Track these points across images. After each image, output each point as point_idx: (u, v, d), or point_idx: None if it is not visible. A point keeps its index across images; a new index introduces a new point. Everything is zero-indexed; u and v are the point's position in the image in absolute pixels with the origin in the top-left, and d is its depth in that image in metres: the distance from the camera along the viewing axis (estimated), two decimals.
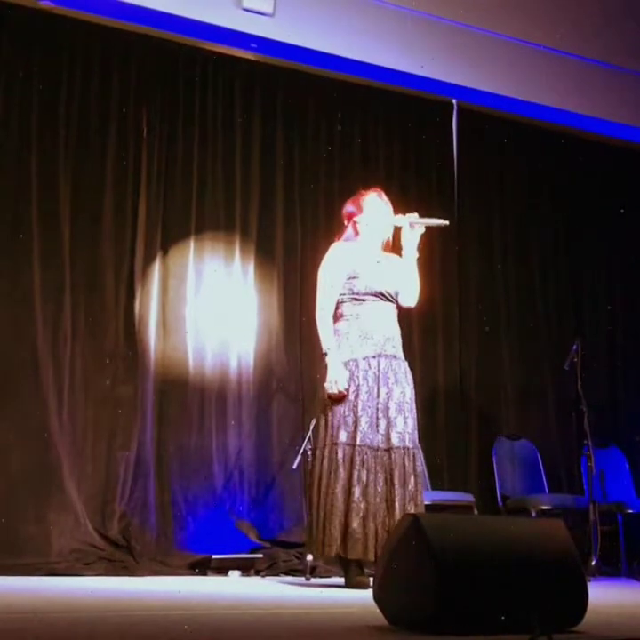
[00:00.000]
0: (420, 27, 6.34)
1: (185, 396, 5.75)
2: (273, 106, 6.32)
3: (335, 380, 4.28)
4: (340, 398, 4.29)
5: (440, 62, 6.45)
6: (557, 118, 7.03)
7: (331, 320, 4.42)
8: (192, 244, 5.93)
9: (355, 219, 4.56)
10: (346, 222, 4.61)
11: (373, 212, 4.53)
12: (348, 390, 4.30)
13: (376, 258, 4.52)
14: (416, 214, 4.50)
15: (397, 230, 4.55)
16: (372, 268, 4.46)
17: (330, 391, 4.29)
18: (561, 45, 6.81)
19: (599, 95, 6.98)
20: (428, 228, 4.55)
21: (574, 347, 5.91)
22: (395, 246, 4.61)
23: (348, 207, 4.61)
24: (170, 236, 5.87)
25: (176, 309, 5.82)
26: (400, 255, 4.55)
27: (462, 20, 6.48)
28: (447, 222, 4.54)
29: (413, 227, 4.48)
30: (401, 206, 4.64)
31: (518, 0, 6.68)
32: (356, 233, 4.55)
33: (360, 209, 4.55)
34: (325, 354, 4.33)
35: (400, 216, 4.51)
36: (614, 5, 7.03)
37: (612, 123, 7.10)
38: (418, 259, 4.52)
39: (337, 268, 4.46)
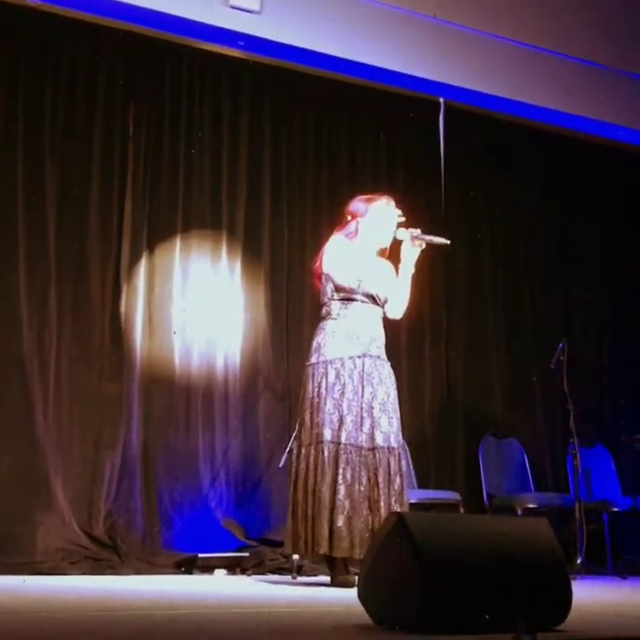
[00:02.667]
0: (407, 25, 6.34)
1: (171, 395, 5.74)
2: (260, 103, 6.31)
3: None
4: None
5: (427, 60, 6.46)
6: (545, 117, 7.04)
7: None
8: (178, 242, 5.92)
9: (358, 219, 4.54)
10: (349, 218, 4.59)
11: (377, 220, 4.51)
12: (335, 387, 4.30)
13: (372, 260, 4.52)
14: (419, 230, 4.48)
15: (397, 242, 4.53)
16: (368, 270, 4.46)
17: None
18: (549, 45, 6.82)
19: (588, 95, 7.00)
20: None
21: (560, 346, 5.92)
22: (391, 257, 4.60)
23: (355, 206, 4.57)
24: (156, 234, 5.86)
25: (162, 308, 5.81)
26: (397, 266, 4.54)
27: (450, 18, 6.48)
28: (448, 242, 4.53)
29: (414, 242, 4.48)
30: None
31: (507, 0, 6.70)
32: (356, 234, 4.54)
33: (365, 213, 4.53)
34: (358, 285, 4.39)
35: (402, 230, 4.48)
36: (603, 5, 7.05)
37: (600, 122, 7.12)
38: (413, 274, 4.51)
39: (345, 250, 4.45)
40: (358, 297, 4.43)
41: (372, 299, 4.46)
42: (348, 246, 4.48)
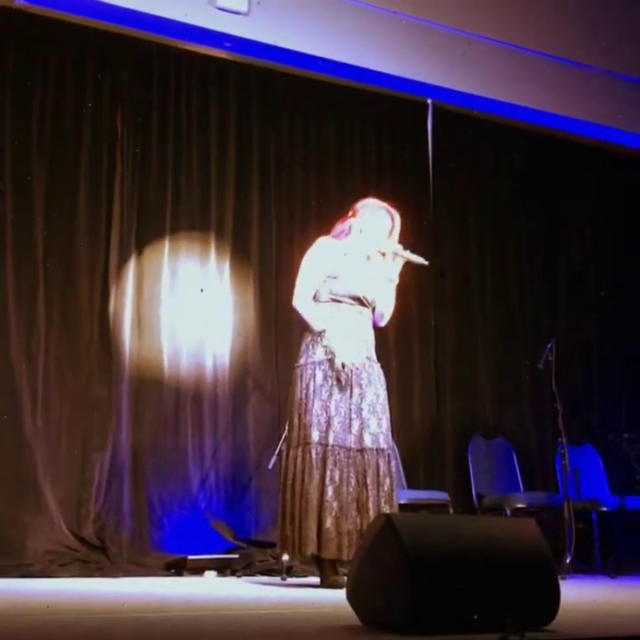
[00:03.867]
0: (394, 26, 6.35)
1: (160, 397, 5.73)
2: (248, 105, 6.31)
3: (337, 354, 4.29)
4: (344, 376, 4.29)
5: (416, 62, 6.46)
6: (532, 118, 7.06)
7: (312, 303, 4.42)
8: (167, 243, 5.91)
9: (352, 220, 4.56)
10: (350, 214, 4.61)
11: (368, 226, 4.52)
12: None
13: (358, 262, 4.52)
14: (400, 246, 4.51)
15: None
16: (353, 272, 4.46)
17: (339, 364, 4.29)
18: (536, 45, 6.84)
19: (574, 95, 7.02)
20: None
21: (549, 346, 5.94)
22: None
23: (359, 204, 4.59)
24: (145, 235, 5.85)
25: (151, 309, 5.80)
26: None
27: (438, 20, 6.49)
28: (427, 262, 4.56)
29: (394, 258, 4.50)
30: None
31: (494, 0, 6.71)
32: (349, 233, 4.55)
33: (361, 216, 4.54)
34: (322, 333, 4.34)
35: (385, 243, 4.52)
36: (591, 7, 7.07)
37: (586, 123, 7.14)
38: (397, 284, 4.54)
39: (319, 261, 4.46)
40: (346, 299, 4.44)
41: (359, 300, 4.46)
42: (333, 248, 4.49)
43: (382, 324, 4.63)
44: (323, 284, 4.44)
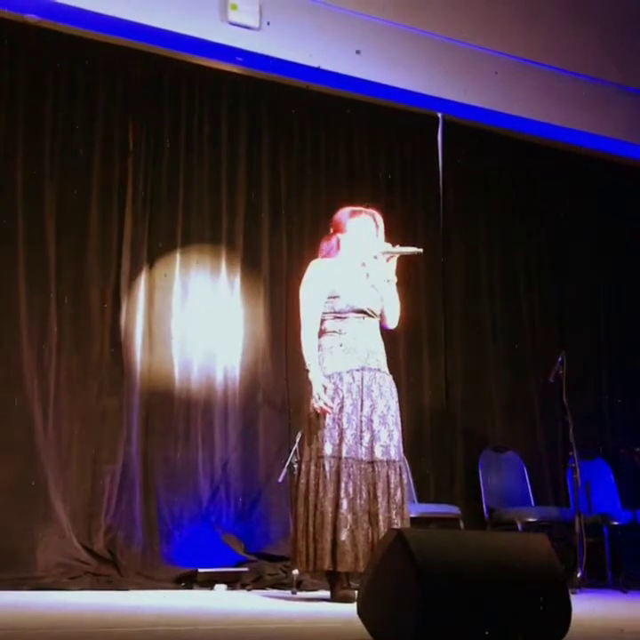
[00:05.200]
0: (405, 41, 6.37)
1: (171, 409, 5.75)
2: (259, 119, 6.34)
3: (319, 396, 4.29)
4: (324, 413, 4.30)
5: (426, 75, 6.48)
6: (543, 132, 7.07)
7: (315, 337, 4.42)
8: (178, 257, 5.93)
9: (339, 235, 4.56)
10: (331, 230, 4.61)
11: (356, 235, 4.51)
12: (332, 404, 4.30)
13: (354, 274, 4.52)
14: (389, 245, 4.50)
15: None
16: (352, 286, 4.46)
17: (314, 406, 4.30)
18: (545, 59, 6.85)
19: (585, 109, 7.03)
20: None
21: (560, 359, 5.93)
22: None
23: (338, 218, 4.58)
24: (156, 249, 5.87)
25: (162, 322, 5.82)
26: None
27: (448, 34, 6.52)
28: (421, 250, 4.55)
29: (385, 256, 4.50)
30: (387, 220, 4.62)
31: (503, 14, 6.74)
32: (337, 249, 4.56)
33: (345, 228, 4.55)
34: (308, 370, 4.35)
35: (375, 245, 4.51)
36: (600, 20, 7.09)
37: (597, 136, 7.16)
38: (397, 283, 4.53)
39: (317, 287, 4.45)
40: (350, 314, 4.44)
41: (364, 313, 4.46)
42: (327, 268, 4.49)
43: (392, 326, 4.61)
44: (325, 305, 4.44)
